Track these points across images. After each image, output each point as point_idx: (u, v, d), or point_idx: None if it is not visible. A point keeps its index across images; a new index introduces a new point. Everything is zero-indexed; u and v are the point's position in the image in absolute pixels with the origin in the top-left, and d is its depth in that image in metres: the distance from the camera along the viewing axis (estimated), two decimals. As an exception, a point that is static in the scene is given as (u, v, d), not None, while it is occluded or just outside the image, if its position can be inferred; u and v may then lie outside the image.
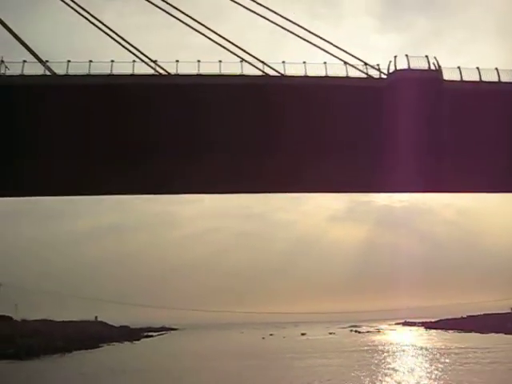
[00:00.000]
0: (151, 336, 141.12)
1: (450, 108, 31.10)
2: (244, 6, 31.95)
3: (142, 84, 30.03)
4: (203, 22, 31.23)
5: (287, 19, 31.68)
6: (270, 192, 36.72)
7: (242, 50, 30.51)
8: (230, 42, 30.71)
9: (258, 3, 31.78)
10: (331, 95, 30.36)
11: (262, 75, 30.50)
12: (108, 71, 30.17)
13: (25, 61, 29.85)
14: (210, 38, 31.18)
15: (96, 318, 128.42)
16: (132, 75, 30.11)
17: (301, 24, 31.83)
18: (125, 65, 30.19)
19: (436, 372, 41.11)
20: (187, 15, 31.20)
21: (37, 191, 35.03)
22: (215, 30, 31.08)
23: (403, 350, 68.34)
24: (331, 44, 31.31)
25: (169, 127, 30.35)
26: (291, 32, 31.70)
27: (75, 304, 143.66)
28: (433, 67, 31.37)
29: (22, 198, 41.09)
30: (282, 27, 31.79)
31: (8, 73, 30.03)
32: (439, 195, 40.33)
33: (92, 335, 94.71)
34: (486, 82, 32.27)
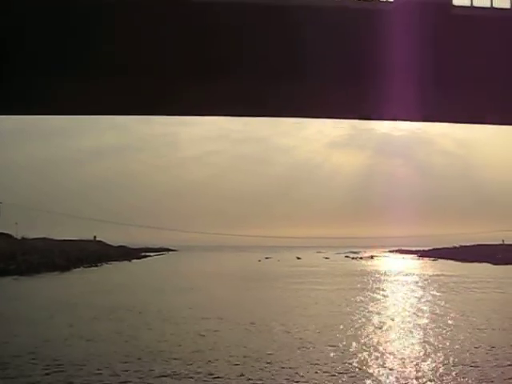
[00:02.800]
0: (149, 256, 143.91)
1: (459, 35, 30.19)
2: None
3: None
4: None
5: None
6: (272, 116, 36.14)
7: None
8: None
9: None
10: (333, 18, 29.35)
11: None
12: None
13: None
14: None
15: (95, 237, 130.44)
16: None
17: None
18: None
19: (421, 296, 42.44)
20: None
21: (32, 110, 34.45)
22: None
23: (394, 276, 70.19)
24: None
25: (171, 46, 29.45)
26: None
27: (74, 223, 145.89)
28: (442, -8, 30.28)
29: (21, 116, 40.53)
30: None
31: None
32: (438, 125, 39.89)
33: (90, 254, 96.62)
34: (497, 8, 31.25)
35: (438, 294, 42.88)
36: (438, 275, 66.99)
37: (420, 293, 44.27)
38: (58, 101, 32.90)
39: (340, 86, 32.32)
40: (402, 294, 44.64)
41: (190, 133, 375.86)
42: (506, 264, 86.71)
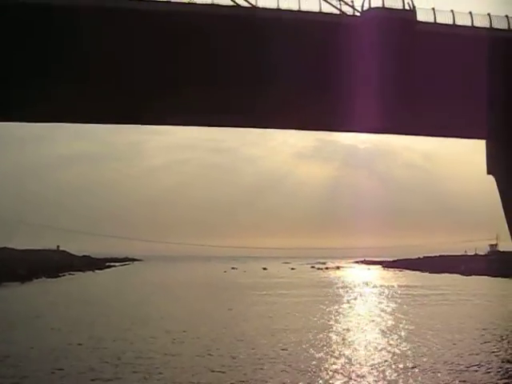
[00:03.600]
0: (114, 266, 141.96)
1: (422, 49, 30.93)
2: None
3: (113, 7, 28.85)
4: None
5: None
6: (239, 126, 36.43)
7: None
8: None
9: None
10: (303, 30, 29.75)
11: (234, 5, 29.58)
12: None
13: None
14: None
15: (58, 247, 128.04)
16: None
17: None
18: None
19: (384, 305, 42.89)
20: None
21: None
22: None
23: (359, 286, 70.75)
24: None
25: (140, 55, 29.47)
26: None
27: (37, 233, 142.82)
28: (407, 7, 30.94)
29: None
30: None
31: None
32: (402, 138, 40.78)
33: (54, 264, 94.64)
34: (459, 25, 32.07)
35: (395, 305, 43.41)
36: (401, 286, 67.85)
37: (380, 304, 44.72)
38: (28, 108, 32.47)
39: (306, 98, 32.69)
40: (364, 307, 44.98)
41: (159, 142, 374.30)
42: (469, 275, 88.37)
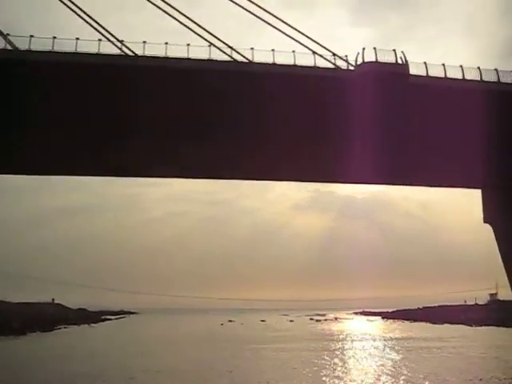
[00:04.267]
0: (109, 319, 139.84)
1: (415, 102, 31.50)
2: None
3: (106, 64, 29.40)
4: (174, 5, 30.77)
5: (260, 7, 31.47)
6: (235, 179, 36.64)
7: (211, 34, 30.26)
8: (199, 26, 30.39)
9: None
10: (298, 84, 30.35)
11: (230, 61, 30.27)
12: (72, 49, 29.49)
13: (-17, 34, 28.98)
14: (179, 21, 30.75)
15: (53, 300, 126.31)
16: (96, 54, 29.49)
17: (275, 13, 31.69)
18: (90, 43, 29.62)
19: (387, 360, 42.13)
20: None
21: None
22: (185, 14, 30.70)
23: (359, 339, 69.55)
24: (301, 33, 31.31)
25: (135, 109, 29.86)
26: (262, 20, 31.52)
27: (33, 285, 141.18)
28: (400, 61, 31.70)
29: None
30: (254, 14, 31.54)
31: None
32: (400, 188, 41.13)
33: (48, 317, 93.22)
34: (450, 78, 32.82)
35: (397, 358, 42.65)
36: (400, 339, 66.81)
37: (378, 357, 44.00)
38: (21, 160, 32.71)
39: (303, 151, 33.03)
40: (365, 362, 44.03)
41: (155, 194, 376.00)
42: (470, 325, 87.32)
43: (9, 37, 29.29)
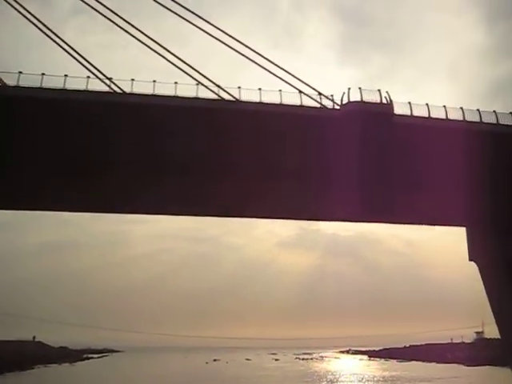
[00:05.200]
0: (92, 358, 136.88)
1: (399, 141, 31.88)
2: (204, 31, 32.15)
3: (94, 101, 29.54)
4: (162, 44, 31.22)
5: (247, 46, 31.98)
6: (221, 216, 36.53)
7: (199, 73, 30.62)
8: (187, 64, 30.76)
9: (220, 29, 32.06)
10: (285, 122, 30.65)
11: (217, 99, 30.58)
12: (61, 85, 29.66)
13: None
14: (167, 60, 31.13)
15: (34, 337, 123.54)
16: (85, 91, 29.65)
17: (262, 53, 32.20)
18: (79, 80, 29.78)
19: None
20: (147, 36, 31.18)
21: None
22: (173, 52, 31.11)
23: (347, 380, 68.62)
24: (288, 73, 31.79)
25: (122, 146, 29.88)
26: (250, 59, 31.98)
27: (13, 322, 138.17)
28: (385, 101, 32.21)
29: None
30: (242, 54, 32.02)
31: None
32: (386, 226, 41.28)
33: (28, 356, 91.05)
34: (434, 118, 33.37)
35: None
36: (387, 379, 66.04)
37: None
38: (6, 195, 32.42)
39: (289, 188, 33.12)
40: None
41: (142, 231, 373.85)
42: (457, 363, 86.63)
43: (-3, 73, 29.40)
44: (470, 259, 38.03)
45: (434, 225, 41.08)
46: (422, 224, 41.04)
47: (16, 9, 30.91)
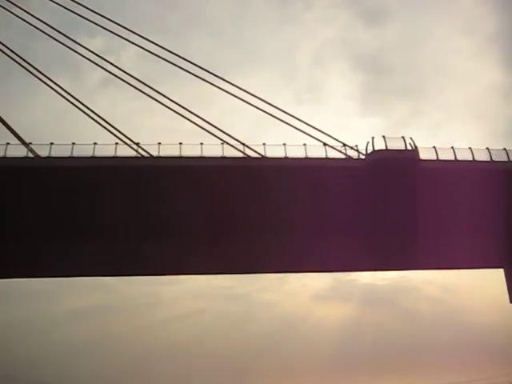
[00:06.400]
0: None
1: (427, 186, 31.61)
2: (227, 91, 33.01)
3: (123, 166, 30.26)
4: (187, 107, 32.10)
5: (269, 103, 32.67)
6: (254, 273, 36.37)
7: (224, 132, 31.27)
8: (212, 125, 31.47)
9: (242, 89, 32.91)
10: (311, 175, 30.78)
11: (243, 157, 31.03)
12: (91, 153, 30.53)
13: (8, 143, 30.24)
14: (192, 122, 31.92)
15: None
16: (114, 157, 30.45)
17: (285, 108, 32.88)
18: (108, 147, 30.67)
19: None
20: (172, 100, 32.14)
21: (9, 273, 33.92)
22: (198, 114, 31.91)
23: None
24: (312, 127, 32.22)
25: (153, 208, 30.36)
26: (273, 116, 32.61)
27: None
28: (409, 147, 32.11)
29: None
30: (265, 111, 32.71)
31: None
32: (422, 272, 40.55)
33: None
34: (460, 160, 33.11)
35: None
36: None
37: None
38: (36, 264, 32.81)
39: (323, 240, 32.91)
40: None
41: (173, 292, 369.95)
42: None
43: (30, 145, 30.46)
44: (511, 301, 36.82)
45: (470, 268, 40.13)
46: (456, 268, 40.16)
47: (47, 84, 32.24)
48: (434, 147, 32.94)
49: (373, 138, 32.07)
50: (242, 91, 32.98)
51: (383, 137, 31.86)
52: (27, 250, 30.62)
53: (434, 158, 32.77)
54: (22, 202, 29.58)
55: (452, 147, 33.24)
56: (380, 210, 31.22)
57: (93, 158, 30.39)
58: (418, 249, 31.99)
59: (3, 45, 32.73)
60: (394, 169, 31.22)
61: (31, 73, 32.42)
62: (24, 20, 33.85)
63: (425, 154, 32.62)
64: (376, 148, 31.80)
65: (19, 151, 30.36)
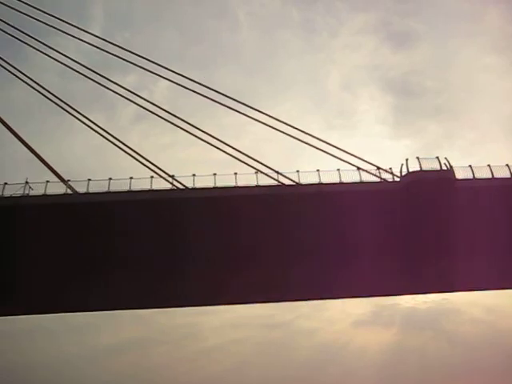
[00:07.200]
0: None
1: (464, 205, 31.07)
2: (259, 121, 33.34)
3: (158, 199, 30.68)
4: (220, 138, 32.46)
5: (301, 130, 32.75)
6: (293, 300, 36.12)
7: (258, 161, 31.49)
8: (245, 154, 31.73)
9: (273, 117, 33.16)
10: (346, 200, 30.60)
11: (277, 185, 31.11)
12: (127, 187, 31.10)
13: (48, 181, 31.08)
14: (226, 153, 32.23)
15: None
16: (149, 190, 30.92)
17: (316, 134, 32.95)
18: (143, 181, 31.21)
19: None
20: (205, 132, 32.58)
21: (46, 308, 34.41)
22: (231, 144, 32.22)
23: None
24: (344, 151, 32.14)
25: (188, 239, 30.56)
26: (305, 142, 32.66)
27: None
28: (444, 168, 31.69)
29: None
30: (297, 138, 32.82)
31: (32, 193, 31.14)
32: (464, 294, 39.58)
33: None
34: (498, 178, 32.51)
35: None
36: None
37: None
38: (71, 299, 33.25)
39: (356, 265, 32.52)
40: None
41: (211, 322, 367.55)
42: None
43: (69, 182, 31.21)
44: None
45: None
46: (498, 289, 39.10)
47: (83, 122, 33.12)
48: (470, 166, 32.49)
49: (407, 159, 31.81)
50: (272, 119, 33.27)
51: (417, 158, 31.55)
52: (63, 284, 31.14)
53: (471, 176, 32.29)
54: (67, 236, 30.25)
55: (488, 165, 32.74)
56: (416, 231, 30.82)
57: (129, 192, 30.92)
58: (456, 270, 31.38)
59: (41, 86, 33.83)
60: (431, 189, 30.84)
61: (68, 112, 33.35)
62: (60, 62, 34.91)
63: (460, 174, 32.19)
64: (410, 170, 31.51)
65: (59, 188, 31.21)
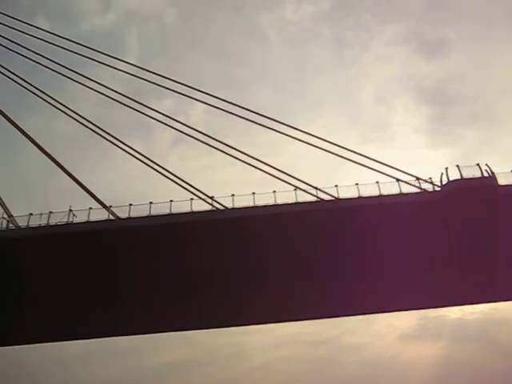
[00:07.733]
0: None
1: (509, 211, 30.30)
2: (295, 138, 33.35)
3: (198, 220, 30.98)
4: (257, 157, 32.55)
5: (338, 145, 32.58)
6: (338, 316, 35.74)
7: (295, 178, 31.42)
8: (283, 172, 31.67)
9: (308, 133, 33.16)
10: (387, 212, 30.26)
11: (317, 201, 31.04)
12: (167, 211, 31.53)
13: (91, 208, 31.83)
14: (264, 171, 32.26)
15: None
16: (189, 213, 31.26)
17: (353, 148, 32.67)
18: (183, 203, 31.58)
19: None
20: (242, 152, 32.73)
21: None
22: (268, 163, 32.30)
23: None
24: (382, 163, 31.74)
25: (227, 259, 30.79)
26: (342, 156, 32.41)
27: None
28: (486, 174, 31.05)
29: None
30: (333, 153, 32.64)
31: (75, 220, 31.90)
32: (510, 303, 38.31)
33: None
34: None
35: None
36: None
37: None
38: (118, 323, 33.68)
39: (401, 279, 32.04)
40: None
41: (255, 341, 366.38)
42: None
43: (111, 208, 31.87)
44: None
45: None
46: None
47: (122, 148, 33.75)
48: (512, 171, 31.75)
49: (446, 168, 31.20)
50: (308, 135, 33.26)
51: (457, 166, 30.97)
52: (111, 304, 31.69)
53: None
54: (108, 261, 30.85)
55: (533, 167, 31.90)
56: (458, 240, 30.25)
57: (170, 215, 31.35)
58: (503, 277, 30.57)
59: (81, 117, 34.67)
60: (473, 197, 30.20)
61: (107, 139, 33.98)
62: (98, 91, 35.72)
63: (504, 180, 31.48)
64: (451, 178, 30.97)
65: (101, 215, 31.90)
